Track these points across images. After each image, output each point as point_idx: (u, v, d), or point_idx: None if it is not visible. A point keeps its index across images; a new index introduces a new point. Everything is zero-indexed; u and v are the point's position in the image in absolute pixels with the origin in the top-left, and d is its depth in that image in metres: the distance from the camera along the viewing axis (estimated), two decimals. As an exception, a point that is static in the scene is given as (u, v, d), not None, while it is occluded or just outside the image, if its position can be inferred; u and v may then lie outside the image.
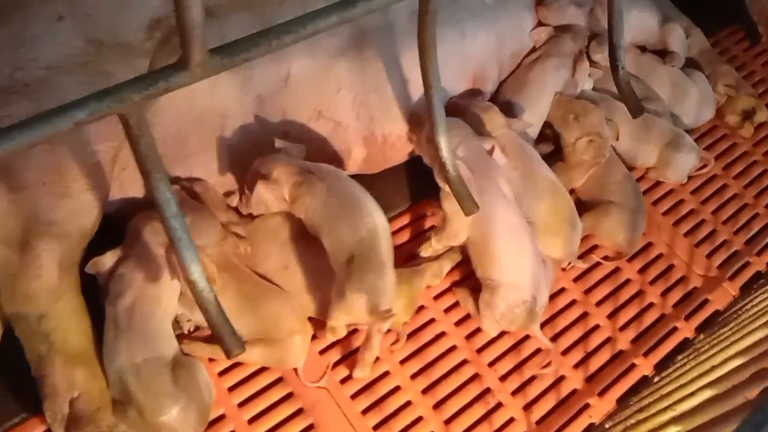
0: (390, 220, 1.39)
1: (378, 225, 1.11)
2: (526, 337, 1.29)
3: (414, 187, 1.44)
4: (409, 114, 1.33)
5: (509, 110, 1.43)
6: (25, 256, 1.03)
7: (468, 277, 1.34)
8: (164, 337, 1.07)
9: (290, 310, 1.14)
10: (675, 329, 1.37)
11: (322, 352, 1.21)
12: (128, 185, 1.20)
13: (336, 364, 1.20)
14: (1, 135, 0.64)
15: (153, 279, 1.09)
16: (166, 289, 1.09)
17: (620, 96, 1.28)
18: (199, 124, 1.22)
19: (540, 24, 1.54)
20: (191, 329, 1.16)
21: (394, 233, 1.38)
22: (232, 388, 1.15)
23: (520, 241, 1.19)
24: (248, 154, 1.24)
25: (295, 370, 1.16)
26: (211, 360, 1.14)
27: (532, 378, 1.26)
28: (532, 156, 1.34)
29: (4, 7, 1.05)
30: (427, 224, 1.41)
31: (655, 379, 1.27)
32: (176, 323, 1.14)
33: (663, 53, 1.67)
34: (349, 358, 1.21)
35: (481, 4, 1.42)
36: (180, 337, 1.13)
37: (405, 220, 1.43)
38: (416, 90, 1.33)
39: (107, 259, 1.09)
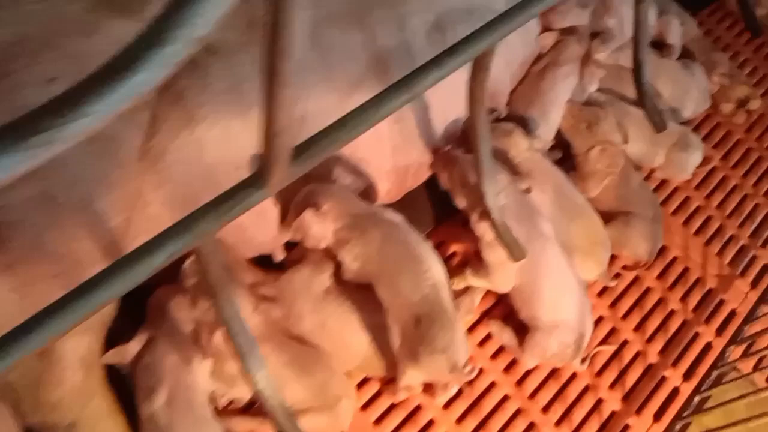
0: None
1: (438, 279, 1.06)
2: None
3: (434, 210, 1.38)
4: (436, 150, 1.25)
5: (525, 125, 1.38)
6: (45, 360, 0.92)
7: (497, 305, 1.31)
8: (208, 424, 0.99)
9: (333, 374, 1.07)
10: (697, 335, 1.39)
11: (364, 407, 1.16)
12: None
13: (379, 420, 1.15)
14: (78, 295, 0.55)
15: (186, 363, 1.00)
16: (200, 371, 1.00)
17: (644, 112, 1.24)
18: (211, 178, 1.10)
19: (545, 28, 1.48)
20: (225, 403, 1.08)
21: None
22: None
23: (567, 280, 1.16)
24: (271, 202, 1.15)
25: (342, 431, 1.10)
26: (254, 434, 1.08)
27: (573, 405, 1.25)
28: (560, 178, 1.29)
29: (-14, 78, 0.90)
30: (451, 249, 1.36)
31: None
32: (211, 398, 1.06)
33: (658, 45, 1.64)
34: (391, 411, 1.16)
35: (493, 13, 1.33)
36: (216, 413, 1.05)
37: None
38: (437, 115, 1.25)
39: (132, 348, 0.99)
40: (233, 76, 1.06)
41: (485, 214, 1.05)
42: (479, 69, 0.86)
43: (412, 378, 1.07)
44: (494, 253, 1.13)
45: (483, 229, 1.12)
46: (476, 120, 0.93)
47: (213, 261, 0.67)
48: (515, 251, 1.06)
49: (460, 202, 1.21)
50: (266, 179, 0.62)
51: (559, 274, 1.16)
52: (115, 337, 1.03)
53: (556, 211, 1.26)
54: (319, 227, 1.09)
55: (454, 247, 1.36)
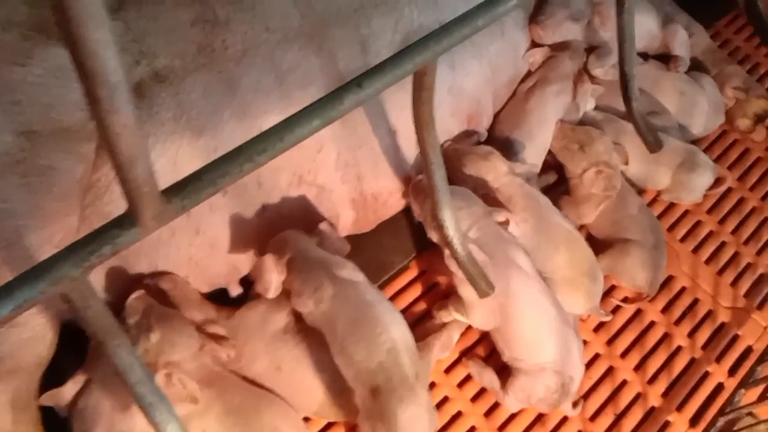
0: (394, 276, 1.27)
1: (397, 341, 0.96)
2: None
3: (415, 237, 1.30)
4: (408, 180, 1.17)
5: (509, 147, 1.29)
6: (-30, 406, 0.87)
7: (480, 342, 1.21)
8: (145, 473, 0.92)
9: (287, 421, 0.99)
10: (707, 374, 1.26)
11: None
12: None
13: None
14: None
15: (122, 409, 0.93)
16: (138, 417, 0.93)
17: (636, 131, 1.13)
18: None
19: (534, 44, 1.38)
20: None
21: (400, 292, 1.25)
22: None
23: (549, 319, 1.05)
24: (222, 235, 1.08)
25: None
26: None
27: (562, 454, 1.14)
28: (543, 204, 1.19)
29: None
30: (435, 279, 1.27)
31: None
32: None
33: (666, 57, 1.53)
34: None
35: (467, 30, 1.25)
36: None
37: (411, 275, 1.28)
38: (406, 141, 1.18)
39: (67, 391, 0.94)
40: (180, 105, 1.01)
41: (452, 248, 0.96)
42: (419, 89, 0.78)
43: None
44: (467, 291, 1.03)
45: (455, 265, 1.03)
46: (425, 145, 0.85)
47: (90, 307, 0.60)
48: (480, 286, 0.97)
49: (432, 236, 1.12)
50: (136, 220, 0.55)
51: (541, 313, 1.05)
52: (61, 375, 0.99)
53: (540, 240, 1.16)
54: (271, 276, 1.02)
55: (439, 277, 1.27)
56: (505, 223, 1.11)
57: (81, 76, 0.42)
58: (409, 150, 1.18)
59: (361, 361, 0.95)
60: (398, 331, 0.97)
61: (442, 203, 0.91)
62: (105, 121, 0.45)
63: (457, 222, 0.93)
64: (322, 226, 1.12)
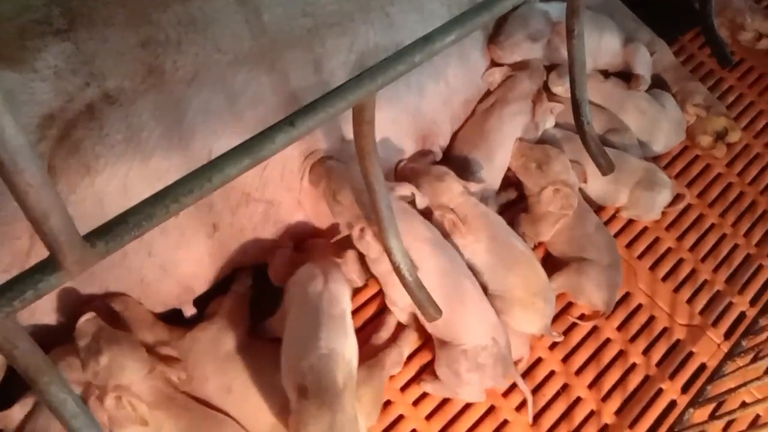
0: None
1: (336, 351, 0.97)
2: (505, 422, 1.19)
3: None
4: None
5: (467, 166, 1.30)
6: None
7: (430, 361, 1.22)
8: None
9: (237, 442, 1.00)
10: (660, 391, 1.28)
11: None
12: (39, 312, 1.04)
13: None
14: None
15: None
16: (89, 439, 0.94)
17: (588, 153, 1.15)
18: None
19: (493, 63, 1.39)
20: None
21: (357, 310, 1.25)
22: None
23: (458, 291, 1.08)
24: (174, 256, 1.09)
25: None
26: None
27: (514, 471, 1.15)
28: (497, 224, 1.21)
29: None
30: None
31: None
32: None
33: (627, 75, 1.54)
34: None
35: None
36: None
37: (369, 292, 1.29)
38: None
39: (15, 414, 0.94)
40: (130, 126, 1.01)
41: (400, 272, 0.97)
42: (359, 122, 0.79)
43: None
44: (381, 265, 1.07)
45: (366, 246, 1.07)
46: (368, 175, 0.86)
47: (17, 347, 0.61)
48: (429, 312, 0.98)
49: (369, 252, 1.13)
50: (58, 265, 0.56)
51: (450, 286, 1.10)
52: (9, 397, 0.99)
53: (493, 260, 1.17)
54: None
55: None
56: (406, 197, 1.14)
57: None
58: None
59: (292, 359, 0.97)
60: (341, 345, 0.99)
61: (388, 231, 0.92)
62: (10, 181, 0.46)
63: (404, 249, 0.94)
64: (350, 254, 1.14)
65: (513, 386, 1.21)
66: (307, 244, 1.22)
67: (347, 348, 0.99)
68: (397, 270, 0.96)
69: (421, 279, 1.03)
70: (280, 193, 1.14)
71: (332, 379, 0.95)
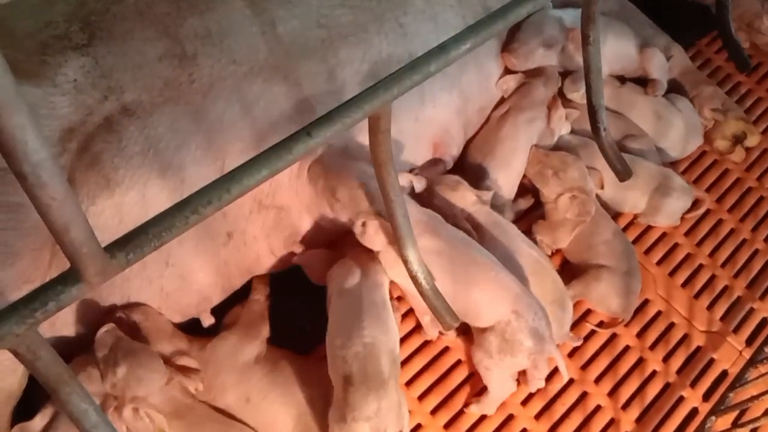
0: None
1: (378, 339, 1.00)
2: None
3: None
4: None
5: (482, 175, 1.30)
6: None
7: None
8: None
9: (257, 452, 1.01)
10: (681, 399, 1.26)
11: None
12: (60, 323, 1.05)
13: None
14: None
15: (93, 441, 0.95)
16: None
17: (605, 160, 1.14)
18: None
19: (507, 71, 1.39)
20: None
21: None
22: None
23: (460, 270, 1.08)
24: (194, 262, 1.10)
25: None
26: None
27: (534, 481, 1.14)
28: (511, 233, 1.20)
29: None
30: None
31: None
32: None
33: (644, 80, 1.54)
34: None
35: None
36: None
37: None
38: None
39: (35, 425, 0.94)
40: (148, 138, 1.02)
41: (417, 282, 0.97)
42: (375, 132, 0.79)
43: None
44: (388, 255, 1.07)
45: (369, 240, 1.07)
46: (385, 185, 0.86)
47: (39, 359, 0.62)
48: (446, 320, 0.98)
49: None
50: (80, 276, 0.57)
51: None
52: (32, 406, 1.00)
53: (507, 269, 1.16)
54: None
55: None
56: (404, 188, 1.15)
57: (5, 157, 0.44)
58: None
59: (337, 351, 1.00)
60: (384, 333, 1.02)
61: (404, 240, 0.92)
62: (32, 194, 0.47)
63: (420, 258, 0.95)
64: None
65: (531, 395, 1.20)
66: (338, 241, 1.23)
67: (390, 335, 1.02)
68: (414, 279, 0.96)
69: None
70: (289, 197, 1.14)
71: (377, 365, 0.98)
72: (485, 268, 1.11)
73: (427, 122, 1.24)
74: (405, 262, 0.94)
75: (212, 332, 1.12)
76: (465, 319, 1.13)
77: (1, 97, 0.40)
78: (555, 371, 1.24)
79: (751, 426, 1.15)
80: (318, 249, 1.20)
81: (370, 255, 1.11)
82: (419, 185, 1.16)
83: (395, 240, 0.93)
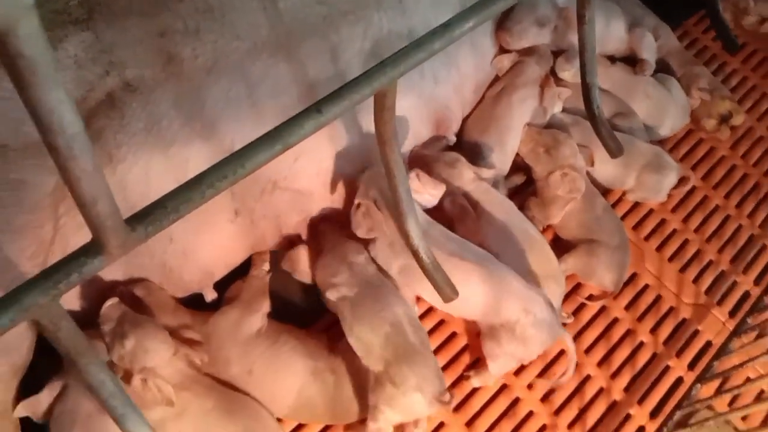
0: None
1: (399, 314, 1.05)
2: (517, 400, 1.22)
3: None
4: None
5: (477, 152, 1.32)
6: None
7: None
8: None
9: (261, 422, 1.03)
10: (668, 368, 1.31)
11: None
12: (64, 298, 1.06)
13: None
14: None
15: (101, 411, 0.96)
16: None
17: (598, 137, 1.17)
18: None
19: (502, 50, 1.41)
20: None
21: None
22: None
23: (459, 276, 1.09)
24: (195, 242, 1.11)
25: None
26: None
27: (528, 448, 1.18)
28: (508, 209, 1.23)
29: None
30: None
31: None
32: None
33: (632, 60, 1.56)
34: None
35: (435, 35, 1.27)
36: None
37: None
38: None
39: (43, 399, 0.96)
40: (150, 115, 1.03)
41: (418, 255, 0.99)
42: (381, 108, 0.81)
43: (388, 420, 1.03)
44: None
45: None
46: (388, 161, 0.88)
47: (60, 329, 0.63)
48: (446, 292, 1.00)
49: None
50: (102, 249, 0.58)
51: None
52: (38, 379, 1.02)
53: (504, 244, 1.20)
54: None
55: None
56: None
57: (40, 129, 0.45)
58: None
59: (368, 338, 1.03)
60: (401, 306, 1.06)
61: (407, 215, 0.94)
62: (65, 167, 0.48)
63: (421, 232, 0.97)
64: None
65: (522, 367, 1.24)
66: (315, 233, 1.24)
67: (405, 304, 1.08)
68: (415, 253, 0.98)
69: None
70: (315, 185, 1.16)
71: (406, 338, 1.02)
72: (484, 274, 1.13)
73: (428, 99, 1.25)
74: (406, 236, 0.96)
75: (213, 307, 1.14)
76: (476, 318, 1.17)
77: (42, 72, 0.41)
78: (560, 353, 1.29)
79: (733, 393, 1.20)
80: (298, 248, 1.21)
81: (355, 242, 1.15)
82: (436, 193, 1.19)
83: (397, 215, 0.95)
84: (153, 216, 0.62)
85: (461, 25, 0.80)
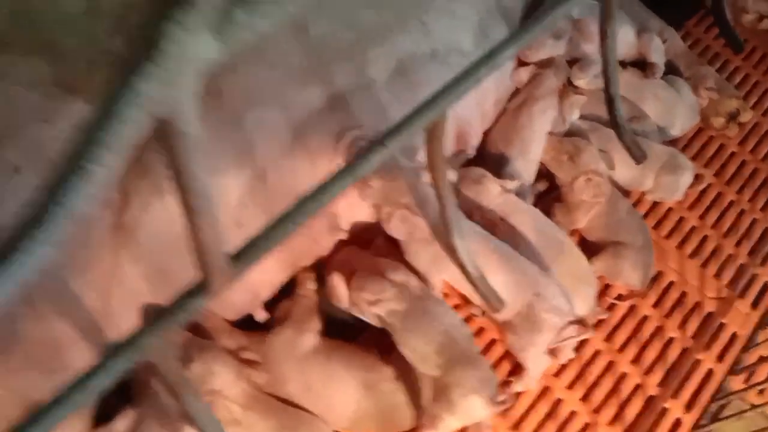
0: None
1: (448, 324, 1.09)
2: (559, 401, 1.27)
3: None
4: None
5: (502, 163, 1.37)
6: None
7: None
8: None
9: (321, 435, 1.08)
10: (698, 362, 1.36)
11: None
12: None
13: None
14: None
15: (174, 437, 1.01)
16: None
17: (623, 145, 1.22)
18: (184, 249, 1.11)
19: (520, 63, 1.46)
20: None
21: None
22: None
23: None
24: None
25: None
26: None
27: (572, 446, 1.23)
28: (537, 218, 1.29)
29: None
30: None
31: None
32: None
33: (641, 64, 1.62)
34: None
35: (460, 54, 1.33)
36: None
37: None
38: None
39: (117, 428, 1.00)
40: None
41: (465, 270, 1.04)
42: (431, 139, 0.86)
43: (449, 426, 1.07)
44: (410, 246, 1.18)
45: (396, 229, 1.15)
46: (439, 186, 0.93)
47: (169, 366, 0.68)
48: (493, 303, 1.06)
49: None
50: (209, 287, 0.62)
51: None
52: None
53: (539, 253, 1.25)
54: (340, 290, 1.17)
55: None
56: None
57: (183, 191, 0.50)
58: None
59: (422, 348, 1.08)
60: (449, 315, 1.11)
61: (454, 232, 0.99)
62: (193, 221, 0.53)
63: (468, 247, 1.02)
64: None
65: (563, 366, 1.29)
66: (339, 262, 1.24)
67: (452, 314, 1.12)
68: (462, 267, 1.03)
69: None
70: (341, 207, 1.20)
71: (461, 346, 1.07)
72: (494, 258, 1.19)
73: (453, 117, 1.30)
74: (453, 251, 1.01)
75: (266, 326, 1.18)
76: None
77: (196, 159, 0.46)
78: (582, 343, 1.34)
79: (760, 386, 1.26)
80: (334, 275, 1.19)
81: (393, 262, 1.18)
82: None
83: (445, 230, 0.99)
84: (248, 254, 0.66)
85: (503, 53, 0.85)
